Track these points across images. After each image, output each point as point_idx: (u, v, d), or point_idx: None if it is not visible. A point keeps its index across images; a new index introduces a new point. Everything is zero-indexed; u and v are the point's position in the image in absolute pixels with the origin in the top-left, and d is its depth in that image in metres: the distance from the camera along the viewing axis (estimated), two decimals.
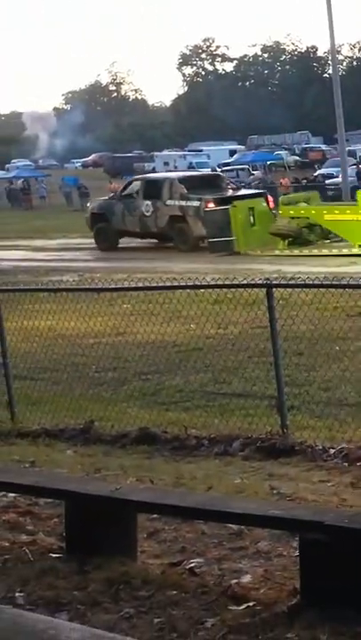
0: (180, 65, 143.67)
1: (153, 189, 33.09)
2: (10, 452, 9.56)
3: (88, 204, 38.99)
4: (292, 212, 30.96)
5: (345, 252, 28.13)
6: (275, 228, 30.42)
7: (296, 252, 29.19)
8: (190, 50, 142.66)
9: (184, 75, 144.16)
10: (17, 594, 5.62)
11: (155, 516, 6.70)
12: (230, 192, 34.19)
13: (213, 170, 61.62)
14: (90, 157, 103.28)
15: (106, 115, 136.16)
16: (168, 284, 13.17)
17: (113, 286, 12.94)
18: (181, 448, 9.55)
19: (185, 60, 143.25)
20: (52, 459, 9.27)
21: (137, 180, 35.89)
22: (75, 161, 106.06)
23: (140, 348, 13.25)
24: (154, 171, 68.07)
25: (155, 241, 34.44)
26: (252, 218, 30.52)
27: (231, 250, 29.55)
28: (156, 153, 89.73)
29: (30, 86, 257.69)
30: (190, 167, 72.19)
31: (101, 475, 8.41)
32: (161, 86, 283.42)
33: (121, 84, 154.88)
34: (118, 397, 11.86)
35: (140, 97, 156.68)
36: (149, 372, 12.89)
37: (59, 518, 6.79)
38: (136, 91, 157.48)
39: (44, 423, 10.77)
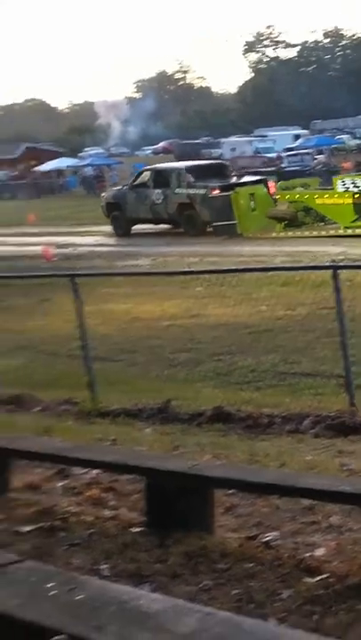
0: (245, 52, 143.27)
1: (162, 179, 34.23)
2: (91, 430, 9.66)
3: (103, 194, 40.04)
4: (288, 196, 32.14)
5: (332, 232, 28.90)
6: (271, 211, 31.51)
7: (290, 233, 29.94)
8: (254, 37, 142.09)
9: (249, 62, 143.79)
10: (102, 566, 5.71)
11: (231, 491, 6.76)
12: (235, 179, 34.76)
13: (279, 155, 61.48)
14: (160, 144, 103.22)
15: (174, 102, 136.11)
16: (238, 267, 13.24)
17: (185, 269, 13.02)
18: (255, 426, 9.58)
19: (250, 47, 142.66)
20: (132, 437, 9.34)
21: (147, 170, 36.67)
22: (145, 148, 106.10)
23: (213, 330, 13.30)
24: (221, 156, 67.89)
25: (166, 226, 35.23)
26: (252, 203, 31.45)
27: (234, 233, 30.43)
28: (223, 139, 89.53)
29: (103, 76, 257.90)
30: (256, 152, 71.94)
31: (179, 452, 8.48)
32: (224, 75, 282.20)
33: (186, 72, 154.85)
34: (193, 378, 11.92)
35: (204, 85, 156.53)
36: (222, 352, 12.92)
37: (139, 494, 6.86)
38: (201, 79, 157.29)
39: (122, 403, 10.88)
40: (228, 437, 9.27)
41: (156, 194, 33.88)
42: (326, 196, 31.09)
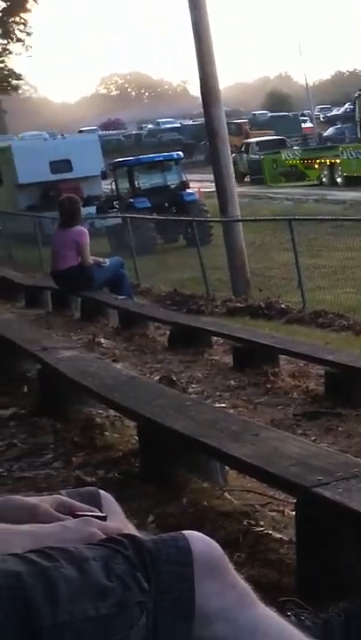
0: None
1: (246, 148, 45.46)
2: None
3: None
4: (290, 161, 40.35)
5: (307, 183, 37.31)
6: (279, 170, 41.02)
7: (288, 183, 38.91)
8: None
9: None
10: None
11: None
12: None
13: None
14: None
15: None
16: None
17: None
18: None
19: None
20: None
21: (244, 142, 47.34)
22: None
23: None
24: None
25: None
26: (275, 164, 41.35)
27: (263, 183, 40.43)
28: None
29: None
30: None
31: None
32: None
33: None
34: None
35: None
36: None
37: None
38: None
39: None
40: None
41: (244, 157, 45.05)
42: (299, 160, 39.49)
